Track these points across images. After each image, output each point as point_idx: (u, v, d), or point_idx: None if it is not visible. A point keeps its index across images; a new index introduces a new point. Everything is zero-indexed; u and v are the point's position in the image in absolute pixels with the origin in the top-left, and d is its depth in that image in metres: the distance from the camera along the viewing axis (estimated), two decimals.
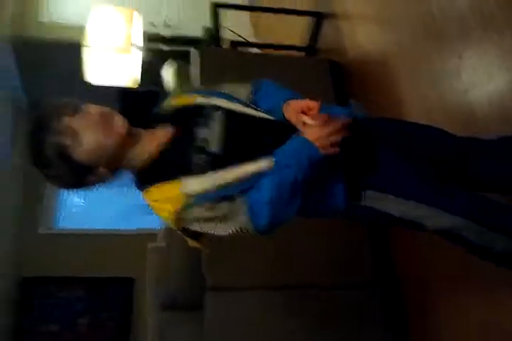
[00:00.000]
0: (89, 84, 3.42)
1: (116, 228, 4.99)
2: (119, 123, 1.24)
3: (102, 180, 1.29)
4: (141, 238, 4.59)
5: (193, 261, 2.24)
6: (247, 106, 1.33)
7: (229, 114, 1.28)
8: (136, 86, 3.47)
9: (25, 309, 4.35)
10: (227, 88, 1.39)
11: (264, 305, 2.24)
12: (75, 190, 1.37)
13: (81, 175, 1.26)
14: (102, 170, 1.26)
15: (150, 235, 4.49)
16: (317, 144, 1.17)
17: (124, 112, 1.27)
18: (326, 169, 1.21)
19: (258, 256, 2.28)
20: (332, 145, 1.18)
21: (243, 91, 1.38)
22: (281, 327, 2.18)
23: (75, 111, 1.22)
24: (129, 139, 1.26)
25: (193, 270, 2.23)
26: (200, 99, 1.31)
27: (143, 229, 4.78)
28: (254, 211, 1.17)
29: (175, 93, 1.41)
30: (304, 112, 1.23)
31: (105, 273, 4.46)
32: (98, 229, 4.94)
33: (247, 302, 2.23)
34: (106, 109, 1.25)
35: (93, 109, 1.23)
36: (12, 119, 4.96)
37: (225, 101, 1.31)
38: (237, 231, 1.21)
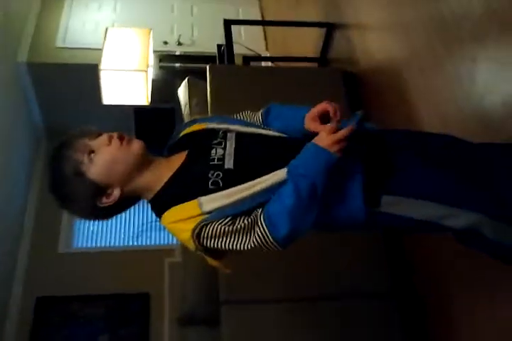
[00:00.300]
0: (106, 106, 3.47)
1: (132, 244, 5.06)
2: (136, 145, 1.28)
3: (116, 204, 1.30)
4: (156, 254, 4.67)
5: (210, 275, 2.22)
6: (259, 128, 1.36)
7: (240, 133, 1.32)
8: (149, 104, 3.52)
9: (44, 328, 4.32)
10: (240, 115, 1.43)
11: (280, 318, 2.21)
12: (90, 219, 1.39)
13: (94, 196, 1.28)
14: (115, 192, 1.28)
15: (164, 251, 4.57)
16: (329, 149, 1.18)
17: (139, 132, 1.31)
18: (337, 174, 1.21)
19: (273, 269, 2.26)
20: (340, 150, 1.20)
21: (254, 117, 1.42)
22: (298, 339, 2.15)
23: (96, 135, 1.29)
24: (145, 164, 1.30)
25: (210, 285, 2.22)
26: (211, 125, 1.36)
27: (157, 246, 4.83)
28: (273, 221, 1.16)
29: (190, 123, 1.44)
30: (322, 116, 1.26)
31: (122, 289, 4.47)
32: (114, 247, 5.00)
33: (263, 316, 2.20)
34: (125, 134, 1.30)
35: (112, 133, 1.28)
36: (30, 144, 5.06)
37: (238, 126, 1.35)
38: (255, 244, 1.20)
